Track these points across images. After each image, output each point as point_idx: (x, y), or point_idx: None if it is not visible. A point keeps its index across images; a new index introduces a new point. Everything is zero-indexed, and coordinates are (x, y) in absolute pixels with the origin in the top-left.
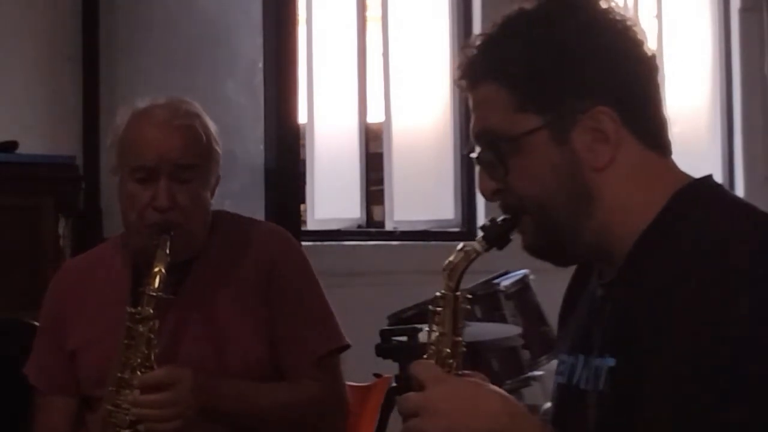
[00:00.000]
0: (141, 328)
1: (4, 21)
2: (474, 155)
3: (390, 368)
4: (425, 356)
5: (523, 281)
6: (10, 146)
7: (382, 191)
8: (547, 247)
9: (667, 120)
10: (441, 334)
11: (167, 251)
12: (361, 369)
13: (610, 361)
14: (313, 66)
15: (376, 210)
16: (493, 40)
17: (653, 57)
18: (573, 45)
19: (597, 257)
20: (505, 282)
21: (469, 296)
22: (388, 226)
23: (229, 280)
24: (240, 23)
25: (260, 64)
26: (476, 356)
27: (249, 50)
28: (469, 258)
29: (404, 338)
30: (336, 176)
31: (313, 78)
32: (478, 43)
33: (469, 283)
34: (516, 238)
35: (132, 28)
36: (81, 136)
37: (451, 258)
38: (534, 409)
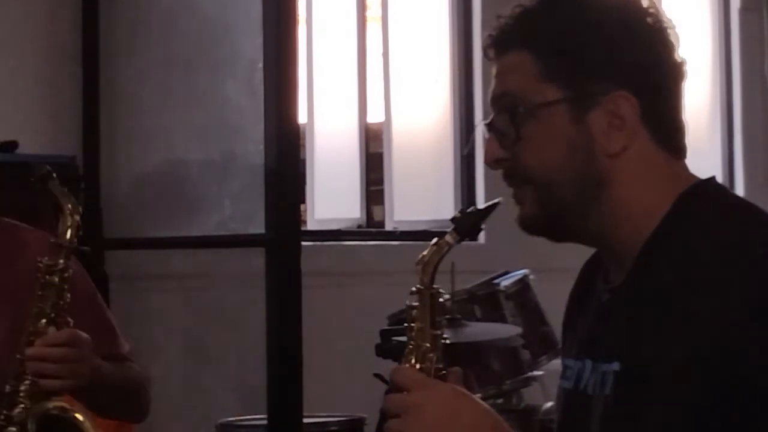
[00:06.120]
0: (56, 279)
1: (3, 21)
2: (487, 121)
3: (390, 368)
4: (406, 350)
5: (523, 281)
6: (10, 146)
7: (382, 191)
8: (543, 221)
9: (685, 126)
10: (419, 329)
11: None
12: (361, 369)
13: (616, 366)
14: (313, 66)
15: (376, 210)
16: (529, 11)
17: (682, 63)
18: (607, 27)
19: (602, 250)
20: (505, 282)
21: (443, 290)
22: (388, 226)
23: (6, 286)
24: (240, 23)
25: (260, 64)
26: (476, 356)
27: (249, 50)
28: (441, 251)
29: (404, 338)
30: (336, 176)
31: (313, 78)
32: (514, 12)
33: (469, 282)
34: (515, 234)
35: (132, 28)
36: (81, 136)
37: (424, 253)
38: (534, 409)
